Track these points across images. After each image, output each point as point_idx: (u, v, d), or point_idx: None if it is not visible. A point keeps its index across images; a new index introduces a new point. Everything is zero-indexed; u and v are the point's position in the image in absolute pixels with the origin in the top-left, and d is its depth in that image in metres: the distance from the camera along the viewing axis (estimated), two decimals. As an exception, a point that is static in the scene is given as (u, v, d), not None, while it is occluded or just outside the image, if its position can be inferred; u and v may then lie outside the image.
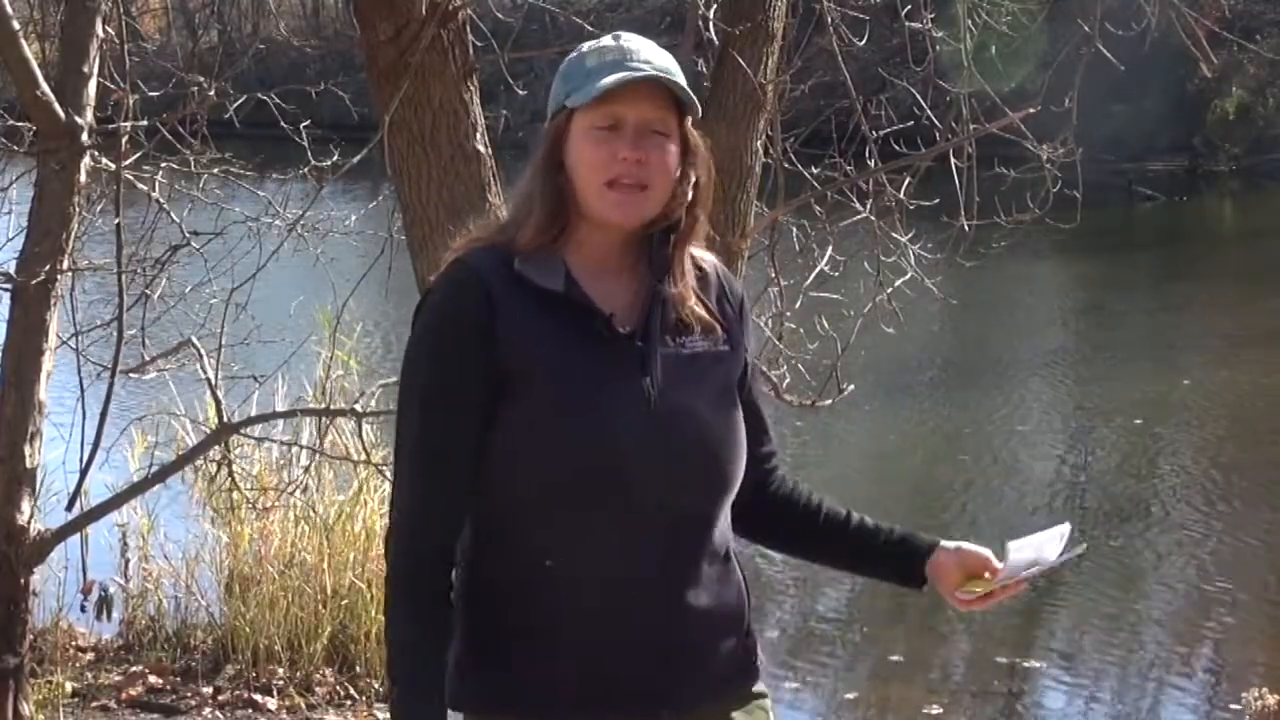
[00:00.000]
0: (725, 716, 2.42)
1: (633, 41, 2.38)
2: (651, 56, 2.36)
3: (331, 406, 6.31)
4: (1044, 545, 2.48)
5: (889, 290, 5.50)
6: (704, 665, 2.38)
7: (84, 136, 5.24)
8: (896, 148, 5.50)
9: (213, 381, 5.74)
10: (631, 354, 2.34)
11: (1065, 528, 2.50)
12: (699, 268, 2.44)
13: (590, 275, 2.36)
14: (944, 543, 2.52)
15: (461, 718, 2.37)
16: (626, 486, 2.30)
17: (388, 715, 2.42)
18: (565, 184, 2.35)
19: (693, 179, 2.38)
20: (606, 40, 2.40)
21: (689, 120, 2.38)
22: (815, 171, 5.42)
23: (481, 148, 4.12)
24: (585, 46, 2.42)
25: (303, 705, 6.20)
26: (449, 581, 2.34)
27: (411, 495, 2.34)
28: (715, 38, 4.66)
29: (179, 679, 6.40)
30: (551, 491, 2.30)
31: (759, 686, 2.46)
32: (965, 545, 2.52)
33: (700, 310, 2.40)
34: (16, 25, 5.22)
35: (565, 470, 2.29)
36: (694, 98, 2.36)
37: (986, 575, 2.48)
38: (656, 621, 2.33)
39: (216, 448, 5.95)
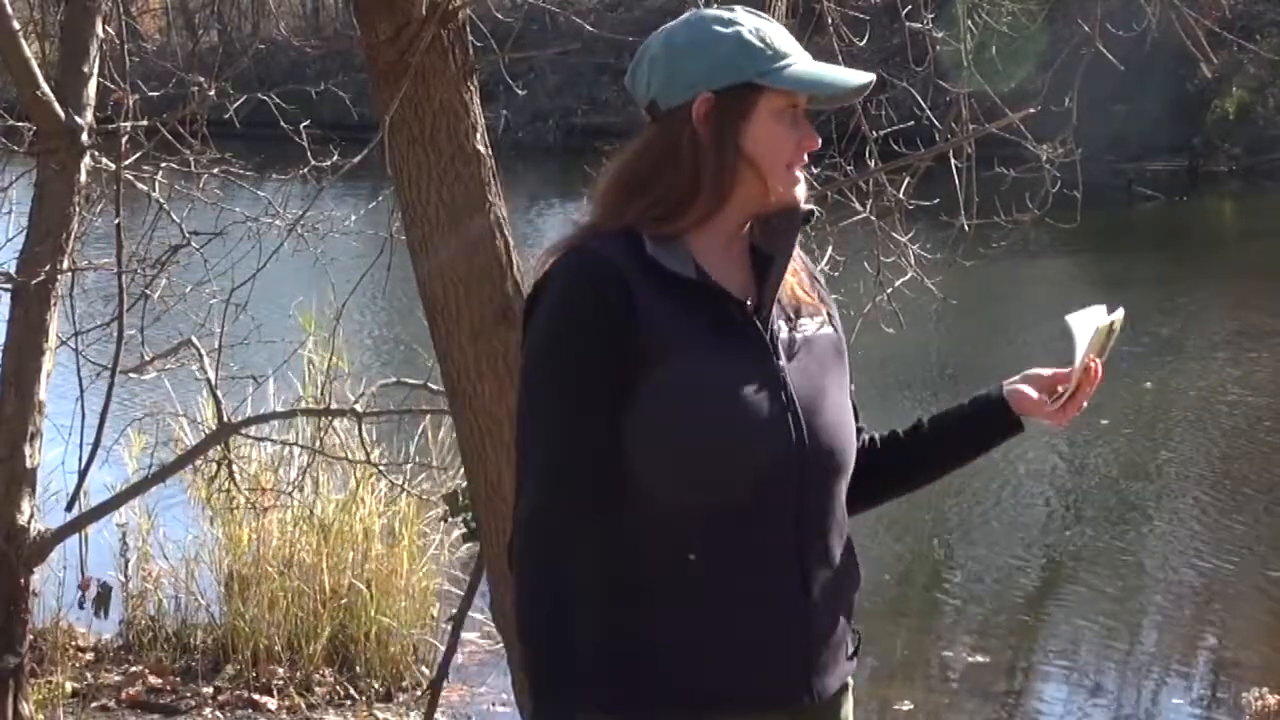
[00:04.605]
0: (842, 700, 2.45)
1: (778, 25, 2.41)
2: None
3: (330, 407, 6.30)
4: (1094, 317, 2.49)
5: (889, 290, 5.50)
6: (837, 650, 2.41)
7: (84, 136, 5.24)
8: (896, 148, 5.50)
9: (212, 381, 5.74)
10: (763, 339, 2.34)
11: (1100, 308, 2.52)
12: None
13: (711, 261, 2.35)
14: (1006, 383, 2.55)
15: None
16: (764, 473, 2.29)
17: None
18: (739, 163, 2.33)
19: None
20: (762, 19, 2.38)
21: None
22: (815, 171, 5.41)
23: (481, 148, 4.12)
24: (743, 19, 2.37)
25: (303, 705, 6.20)
26: (604, 580, 2.28)
27: (555, 495, 2.27)
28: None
29: (179, 679, 6.40)
30: (690, 481, 2.27)
31: (851, 672, 2.49)
32: (1030, 372, 2.55)
33: (808, 294, 2.43)
34: (16, 25, 5.22)
35: (705, 459, 2.27)
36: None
37: (1060, 388, 2.49)
38: (798, 610, 2.33)
39: (216, 448, 5.95)
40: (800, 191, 2.38)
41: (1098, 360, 2.49)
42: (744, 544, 2.29)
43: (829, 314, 2.46)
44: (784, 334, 2.37)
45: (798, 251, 2.46)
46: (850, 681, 2.49)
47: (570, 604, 2.25)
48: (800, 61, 2.36)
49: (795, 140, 2.35)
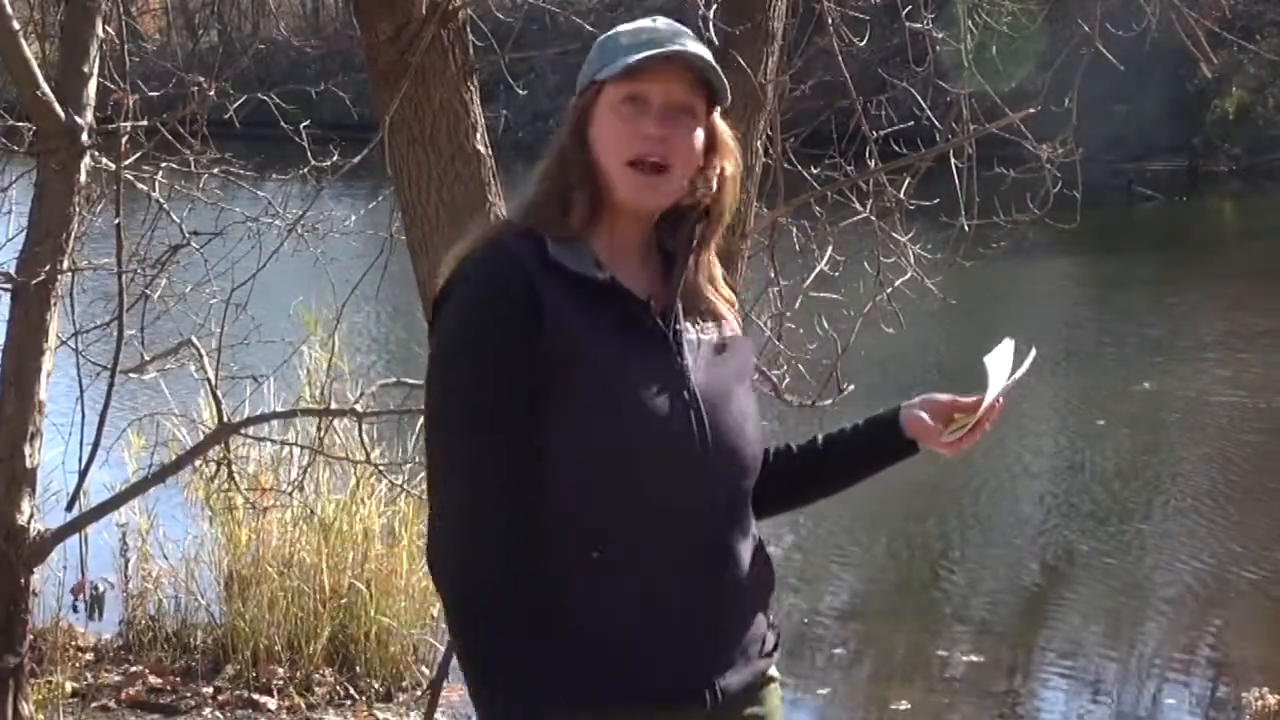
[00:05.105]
0: (754, 698, 2.44)
1: (668, 24, 2.39)
2: (687, 41, 2.36)
3: (330, 407, 6.30)
4: (1004, 359, 2.49)
5: (889, 290, 5.50)
6: (747, 648, 2.40)
7: (84, 137, 5.24)
8: (896, 148, 5.50)
9: (212, 381, 5.73)
10: (668, 343, 2.34)
11: (1010, 342, 2.52)
12: None
13: (615, 261, 2.35)
14: (904, 405, 2.54)
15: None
16: (669, 475, 2.30)
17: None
18: (592, 163, 2.33)
19: (718, 169, 2.38)
20: (645, 22, 2.40)
21: (718, 110, 2.39)
22: (815, 171, 5.41)
23: (481, 148, 4.12)
24: (622, 27, 2.41)
25: (303, 705, 6.20)
26: (516, 580, 2.28)
27: (470, 496, 2.27)
28: (715, 38, 4.65)
29: (179, 679, 6.40)
30: (595, 480, 2.28)
31: (773, 669, 2.48)
32: (926, 396, 2.54)
33: (717, 298, 2.43)
34: (16, 25, 5.22)
35: (609, 458, 2.28)
36: (725, 83, 2.36)
37: (956, 416, 2.48)
38: (703, 606, 2.34)
39: (216, 448, 5.94)
40: (644, 193, 2.33)
41: (1001, 400, 2.49)
42: (649, 543, 2.30)
43: (736, 317, 2.46)
44: (690, 334, 2.37)
45: (711, 254, 2.46)
46: (775, 676, 2.49)
47: (489, 601, 2.26)
48: (641, 52, 2.31)
49: (632, 131, 2.31)
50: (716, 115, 2.39)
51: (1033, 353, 2.51)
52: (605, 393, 2.28)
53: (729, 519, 2.37)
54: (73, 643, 6.65)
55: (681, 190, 2.36)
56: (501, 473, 2.27)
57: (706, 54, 2.36)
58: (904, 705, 6.72)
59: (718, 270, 2.47)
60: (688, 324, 2.37)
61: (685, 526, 2.32)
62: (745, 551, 2.39)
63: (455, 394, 2.31)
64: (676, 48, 2.33)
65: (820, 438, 2.59)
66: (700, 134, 2.36)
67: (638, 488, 2.29)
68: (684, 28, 2.40)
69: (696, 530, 2.33)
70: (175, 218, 6.03)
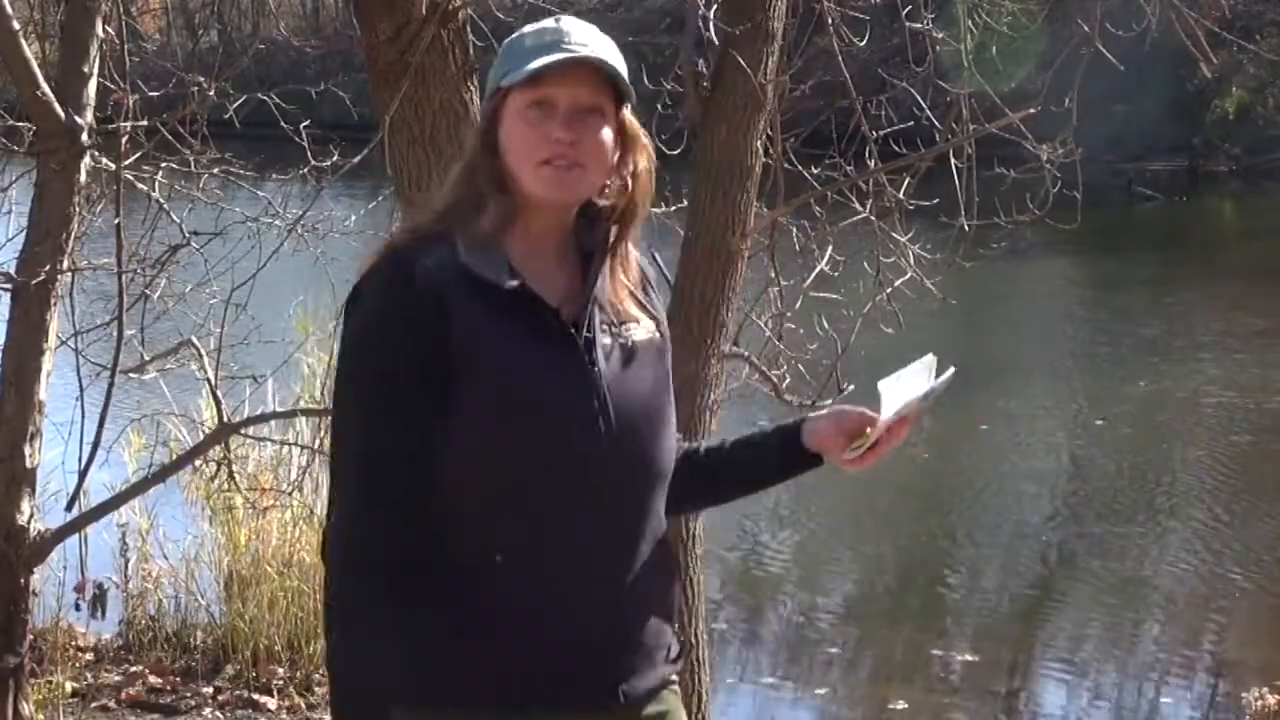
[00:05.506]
0: (657, 699, 2.42)
1: (572, 24, 2.36)
2: (589, 39, 2.34)
3: (329, 407, 6.30)
4: (913, 380, 2.45)
5: (889, 290, 5.50)
6: (651, 653, 2.39)
7: (84, 137, 5.24)
8: (896, 148, 5.49)
9: (212, 381, 5.73)
10: (578, 347, 2.33)
11: (930, 359, 2.48)
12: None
13: (529, 265, 2.34)
14: (810, 415, 2.52)
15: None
16: (575, 480, 2.29)
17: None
18: (502, 167, 2.33)
19: (631, 165, 2.38)
20: (547, 22, 2.38)
21: (627, 106, 2.37)
22: (815, 171, 5.41)
23: (481, 148, 4.11)
24: (526, 28, 2.40)
25: (303, 705, 6.20)
26: (409, 583, 2.29)
27: (360, 501, 2.29)
28: (715, 38, 4.65)
29: (179, 679, 6.40)
30: (500, 486, 2.28)
31: (674, 673, 2.47)
32: (839, 407, 2.52)
33: (634, 300, 2.41)
34: (16, 25, 5.22)
35: (513, 466, 2.27)
36: (628, 83, 2.35)
37: (868, 431, 2.45)
38: (606, 613, 2.33)
39: (216, 448, 5.94)
40: (560, 188, 2.32)
41: (911, 418, 2.45)
42: (552, 548, 2.29)
43: (657, 322, 2.43)
44: (605, 338, 2.35)
45: (636, 257, 2.46)
46: (675, 680, 2.47)
47: (377, 609, 2.27)
48: (544, 57, 2.30)
49: (540, 136, 2.30)
50: (627, 111, 2.37)
51: (950, 370, 2.48)
52: (510, 396, 2.28)
53: (636, 525, 2.36)
54: (73, 643, 6.65)
55: (595, 187, 2.36)
56: (398, 478, 2.27)
57: (611, 54, 2.34)
58: (903, 705, 6.72)
59: (634, 274, 2.44)
60: (603, 327, 2.36)
61: (589, 531, 2.31)
62: (652, 558, 2.38)
63: (351, 406, 2.33)
64: (580, 53, 2.31)
65: (729, 441, 2.57)
66: (610, 132, 2.34)
67: (540, 492, 2.28)
68: (589, 26, 2.38)
69: (601, 535, 2.32)
70: (175, 218, 6.03)
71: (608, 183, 2.37)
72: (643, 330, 2.40)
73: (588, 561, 2.31)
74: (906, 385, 2.44)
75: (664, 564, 2.41)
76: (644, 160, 2.39)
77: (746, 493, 2.67)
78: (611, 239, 2.38)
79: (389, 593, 2.27)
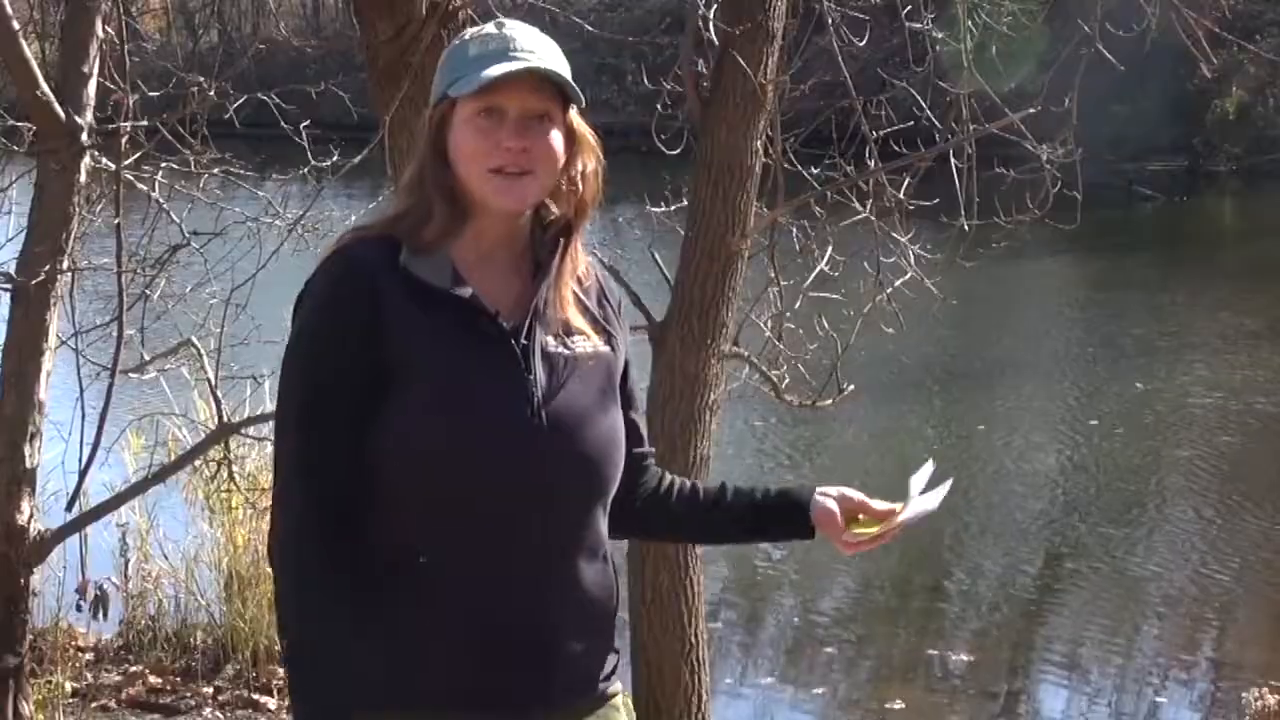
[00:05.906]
0: (589, 715, 2.42)
1: (516, 29, 2.37)
2: (535, 45, 2.35)
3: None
4: (934, 494, 2.51)
5: (889, 290, 5.50)
6: (575, 665, 2.37)
7: (84, 136, 5.24)
8: (896, 148, 5.49)
9: (212, 381, 5.73)
10: (516, 353, 2.32)
11: (930, 465, 2.54)
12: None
13: (476, 270, 2.34)
14: (820, 490, 2.54)
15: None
16: (504, 487, 2.29)
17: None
18: (452, 175, 2.34)
19: (580, 166, 2.38)
20: (489, 28, 2.38)
21: (574, 109, 2.37)
22: (815, 171, 5.41)
23: (481, 148, 4.11)
24: (468, 33, 2.40)
25: (302, 705, 6.19)
26: (344, 580, 2.30)
27: (296, 500, 2.31)
28: (715, 38, 4.66)
29: (179, 679, 6.40)
30: (428, 490, 2.28)
31: (615, 687, 2.46)
32: (845, 490, 2.53)
33: (580, 309, 2.40)
34: (16, 25, 5.22)
35: (443, 470, 2.27)
36: (576, 88, 2.35)
37: (861, 517, 2.50)
38: (531, 621, 2.32)
39: (216, 448, 5.94)
40: (510, 195, 2.33)
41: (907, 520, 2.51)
42: (480, 556, 2.29)
43: (607, 333, 2.42)
44: (549, 348, 2.35)
45: (595, 267, 2.46)
46: (619, 694, 2.46)
47: (321, 609, 2.29)
48: (491, 66, 2.30)
49: (490, 144, 2.31)
50: (574, 113, 2.38)
51: (948, 483, 2.52)
52: (440, 399, 2.28)
53: (570, 535, 2.35)
54: (73, 643, 6.65)
55: (546, 191, 2.36)
56: (327, 482, 2.29)
57: (557, 61, 2.35)
58: (902, 705, 6.72)
59: (590, 285, 2.44)
60: (548, 336, 2.35)
61: (519, 539, 2.30)
62: (587, 569, 2.37)
63: (287, 406, 2.35)
64: (530, 62, 2.32)
65: (730, 489, 2.57)
66: (559, 136, 2.35)
67: (470, 503, 2.28)
68: (532, 29, 2.39)
69: (530, 543, 2.31)
70: (175, 218, 6.03)
71: (562, 184, 2.38)
72: (589, 344, 2.39)
73: (508, 567, 2.30)
74: (928, 498, 2.50)
75: (602, 580, 2.39)
76: (592, 161, 2.40)
77: (724, 543, 2.69)
78: (560, 248, 2.38)
79: (326, 596, 2.29)
